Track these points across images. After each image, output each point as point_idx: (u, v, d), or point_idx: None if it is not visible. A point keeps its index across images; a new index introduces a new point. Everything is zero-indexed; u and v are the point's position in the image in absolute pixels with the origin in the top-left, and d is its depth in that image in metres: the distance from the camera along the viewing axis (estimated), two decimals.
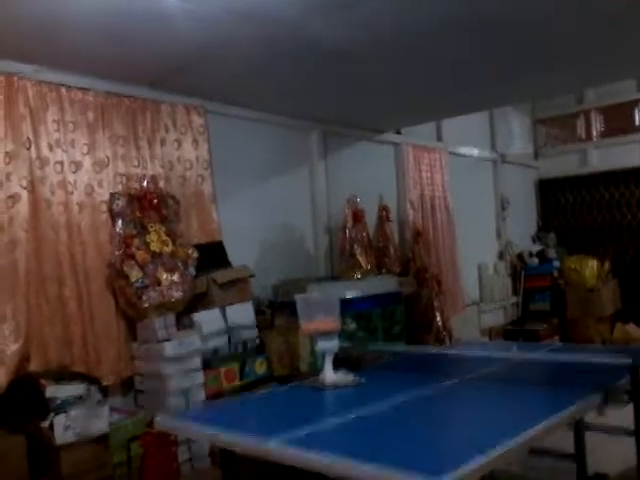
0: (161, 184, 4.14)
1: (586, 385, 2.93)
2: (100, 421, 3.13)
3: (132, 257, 3.74)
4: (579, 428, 3.63)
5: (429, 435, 2.56)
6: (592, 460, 3.73)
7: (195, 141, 4.49)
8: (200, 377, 3.71)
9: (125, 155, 4.05)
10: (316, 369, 3.79)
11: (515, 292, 7.70)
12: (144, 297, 3.71)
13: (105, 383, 3.67)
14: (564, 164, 8.40)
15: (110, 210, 3.83)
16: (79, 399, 3.20)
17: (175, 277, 3.87)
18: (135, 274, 3.71)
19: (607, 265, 7.31)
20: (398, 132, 6.35)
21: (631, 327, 6.33)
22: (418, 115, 5.82)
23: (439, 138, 6.89)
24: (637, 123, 7.88)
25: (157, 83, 4.16)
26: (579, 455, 3.65)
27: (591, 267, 7.23)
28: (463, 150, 7.23)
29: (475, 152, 7.45)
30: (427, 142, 6.66)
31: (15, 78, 3.53)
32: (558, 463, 3.88)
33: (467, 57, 4.11)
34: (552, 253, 7.71)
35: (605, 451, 4.03)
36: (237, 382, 3.93)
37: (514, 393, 3.20)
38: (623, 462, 3.94)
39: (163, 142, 4.29)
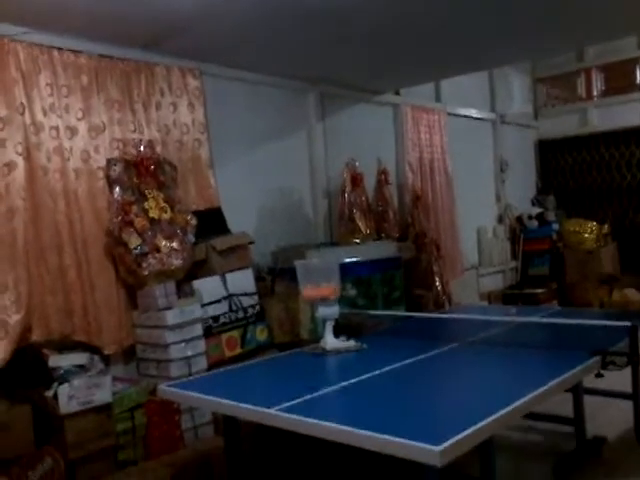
0: (158, 149, 4.08)
1: (584, 349, 2.95)
2: (103, 390, 3.14)
3: (130, 224, 3.70)
4: (578, 392, 3.66)
5: (428, 401, 2.58)
6: (590, 423, 3.78)
7: (191, 104, 4.41)
8: (202, 345, 3.72)
9: (121, 120, 3.98)
10: (317, 335, 3.81)
11: (514, 256, 7.70)
12: (144, 264, 3.69)
13: (107, 352, 3.67)
14: (564, 124, 8.31)
15: (107, 176, 3.77)
16: (82, 368, 3.20)
17: (174, 244, 3.84)
18: (134, 241, 3.68)
19: (606, 227, 7.30)
20: (397, 93, 6.26)
21: (630, 291, 6.35)
22: (416, 75, 5.72)
23: (438, 99, 6.80)
24: (638, 81, 7.77)
25: (151, 45, 4.06)
26: (578, 419, 3.70)
27: (590, 230, 7.22)
28: (462, 111, 7.14)
29: (474, 113, 7.36)
30: (426, 103, 6.57)
31: (5, 40, 3.43)
32: (557, 427, 3.94)
33: (463, 14, 4.01)
34: (551, 216, 7.69)
35: (603, 414, 4.09)
36: (238, 350, 3.95)
37: (513, 357, 3.23)
38: (621, 425, 4.00)
39: (159, 106, 4.21)
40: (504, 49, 5.08)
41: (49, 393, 3.06)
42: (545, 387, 2.52)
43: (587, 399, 3.77)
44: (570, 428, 3.74)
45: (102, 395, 3.14)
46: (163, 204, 3.88)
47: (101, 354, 3.60)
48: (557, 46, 5.47)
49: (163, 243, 3.79)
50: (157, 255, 3.74)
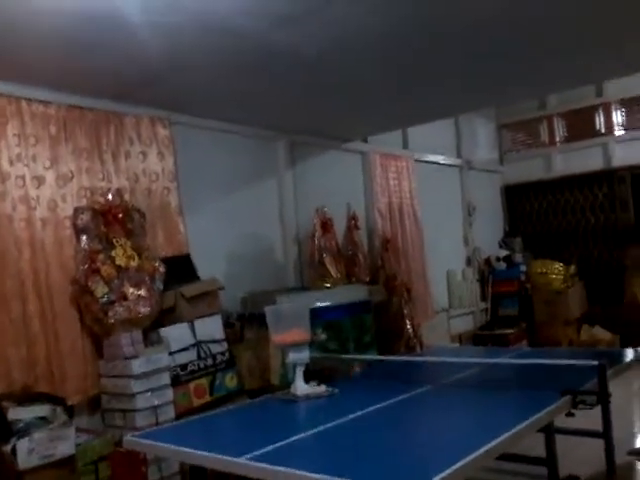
0: (126, 197, 4.08)
1: (555, 388, 2.96)
2: (66, 443, 3.05)
3: (97, 272, 3.67)
4: (549, 431, 3.66)
5: (400, 447, 2.55)
6: (563, 463, 3.76)
7: (160, 153, 4.44)
8: (169, 394, 3.65)
9: (89, 169, 3.99)
10: (287, 381, 3.77)
11: (483, 297, 7.77)
12: (110, 313, 3.64)
13: (71, 403, 3.57)
14: (529, 169, 8.53)
15: (74, 225, 3.76)
16: (44, 420, 3.11)
17: (142, 292, 3.80)
18: (101, 289, 3.64)
19: (573, 268, 7.43)
20: (365, 140, 6.38)
21: (597, 329, 6.43)
22: (383, 123, 5.84)
23: (405, 146, 6.94)
24: (597, 128, 8.05)
25: (121, 95, 4.10)
26: (550, 458, 3.68)
27: (557, 270, 7.35)
28: (429, 157, 7.30)
29: (441, 159, 7.52)
30: (394, 150, 6.70)
31: None
32: (530, 468, 3.91)
33: (428, 63, 4.14)
34: (519, 258, 7.81)
35: (575, 453, 4.08)
36: (207, 398, 3.88)
37: (485, 399, 3.23)
38: (593, 464, 3.99)
39: (128, 155, 4.23)
40: (469, 96, 5.24)
41: (7, 448, 2.95)
42: (517, 428, 2.52)
43: (559, 438, 3.77)
44: (543, 469, 3.72)
45: (65, 448, 3.04)
46: (131, 252, 3.85)
47: (65, 405, 3.50)
48: (521, 94, 5.66)
49: (130, 291, 3.75)
50: (124, 303, 3.70)
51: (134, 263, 3.84)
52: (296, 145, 5.63)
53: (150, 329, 3.80)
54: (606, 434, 3.95)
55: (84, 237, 3.73)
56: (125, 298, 3.71)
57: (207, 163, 4.81)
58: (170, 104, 4.41)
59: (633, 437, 4.53)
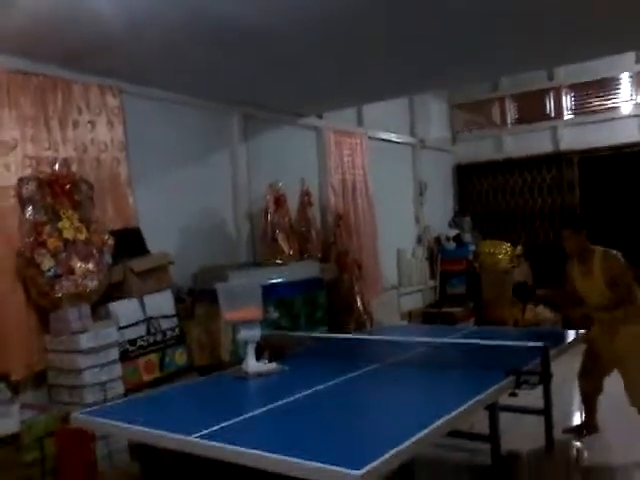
0: (74, 168, 3.94)
1: (500, 368, 3.05)
2: (10, 420, 2.97)
3: (43, 245, 3.55)
4: (493, 409, 3.77)
5: (350, 424, 2.59)
6: (505, 439, 3.90)
7: (110, 123, 4.30)
8: (118, 370, 3.60)
9: (34, 137, 3.83)
10: (238, 358, 3.77)
11: (432, 276, 7.90)
12: (57, 287, 3.54)
13: (15, 378, 3.48)
14: (480, 149, 8.65)
15: (19, 195, 3.61)
16: None
17: (90, 265, 3.71)
18: (47, 263, 3.53)
19: (519, 249, 7.61)
20: (320, 116, 6.34)
21: (541, 309, 6.63)
22: (338, 100, 5.81)
23: (360, 123, 6.93)
24: (547, 111, 8.21)
25: (69, 61, 3.93)
26: (493, 435, 3.79)
27: (505, 251, 7.52)
28: (383, 135, 7.31)
29: (394, 137, 7.55)
30: (348, 127, 6.69)
31: None
32: (474, 444, 4.03)
33: (384, 43, 4.12)
34: (468, 237, 7.96)
35: (517, 430, 4.22)
36: (157, 374, 3.84)
37: (433, 378, 3.30)
38: (534, 440, 4.15)
39: (76, 124, 4.09)
40: (422, 77, 5.25)
41: None
42: (464, 407, 2.59)
43: (502, 415, 3.89)
44: (487, 445, 3.84)
45: (8, 425, 2.97)
46: (78, 224, 3.74)
47: (8, 381, 3.41)
48: (474, 76, 5.71)
49: (78, 265, 3.65)
50: (71, 277, 3.60)
51: (82, 236, 3.74)
52: (250, 119, 5.55)
53: (98, 304, 3.72)
54: (547, 412, 4.12)
55: (29, 208, 3.59)
56: (72, 272, 3.61)
57: (158, 135, 4.69)
58: (121, 73, 4.26)
59: (571, 415, 4.72)
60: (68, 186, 3.76)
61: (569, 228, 3.99)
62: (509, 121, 8.52)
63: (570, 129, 7.98)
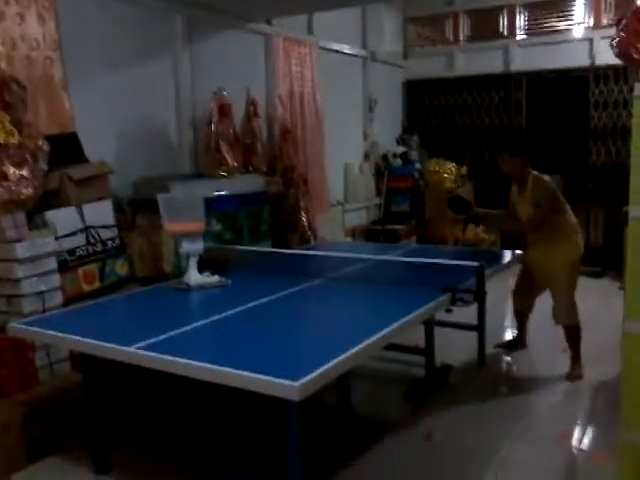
0: (2, 65, 3.68)
1: (437, 286, 3.13)
2: None
3: None
4: (429, 324, 3.92)
5: (290, 337, 2.64)
6: (440, 353, 4.08)
7: (41, 17, 3.98)
8: (56, 280, 3.51)
9: None
10: (180, 270, 3.75)
11: (378, 193, 7.94)
12: None
13: None
14: (431, 66, 8.52)
15: None
16: None
17: (24, 172, 3.53)
18: None
19: (464, 169, 7.68)
20: (269, 22, 6.07)
21: (481, 228, 6.79)
22: (287, 5, 5.54)
23: (310, 31, 6.69)
24: (500, 30, 8.10)
25: None
26: (428, 348, 3.97)
27: (450, 170, 7.57)
28: (334, 45, 7.08)
29: (346, 48, 7.33)
30: (298, 34, 6.44)
31: None
32: (410, 357, 4.21)
33: None
34: (414, 155, 7.96)
35: (451, 345, 4.42)
36: (97, 284, 3.77)
37: (373, 293, 3.38)
38: (466, 354, 4.35)
39: (2, 16, 3.76)
40: None
41: None
42: (401, 322, 2.66)
43: (437, 331, 4.05)
44: (421, 357, 4.02)
45: None
46: (10, 127, 3.52)
47: None
48: None
49: (11, 170, 3.47)
50: (4, 183, 3.43)
51: (14, 140, 3.53)
52: (194, 21, 5.25)
53: (34, 212, 3.58)
54: (479, 328, 4.31)
55: None
56: (5, 178, 3.44)
57: (95, 33, 4.38)
58: None
59: (503, 331, 4.96)
60: None
61: (505, 152, 4.05)
62: (462, 38, 8.38)
63: (521, 50, 7.92)
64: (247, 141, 5.48)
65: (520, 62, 7.91)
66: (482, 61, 8.12)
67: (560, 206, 3.99)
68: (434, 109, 8.60)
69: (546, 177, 3.99)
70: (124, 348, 2.42)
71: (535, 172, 4.00)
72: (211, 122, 5.04)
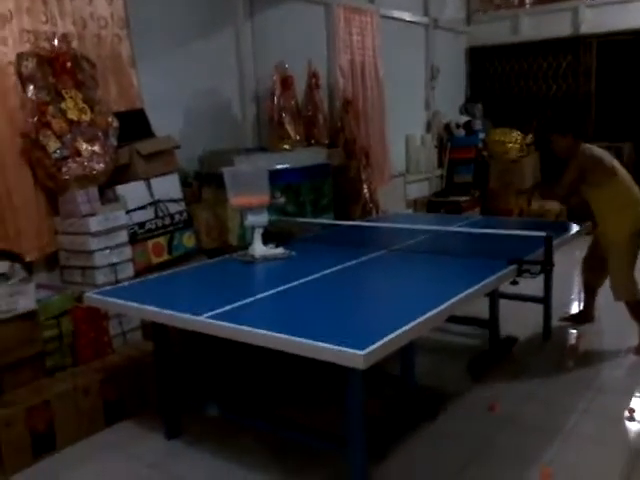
0: (74, 44, 3.80)
1: (503, 257, 3.09)
2: (26, 298, 3.06)
3: (48, 126, 3.49)
4: (494, 296, 3.88)
5: (355, 307, 2.67)
6: (504, 326, 4.04)
7: None
8: (127, 252, 3.66)
9: (30, 9, 3.64)
10: (245, 242, 3.82)
11: (440, 164, 7.82)
12: (64, 169, 3.52)
13: (28, 259, 3.54)
14: (496, 31, 8.28)
15: (19, 73, 3.50)
16: (3, 277, 3.10)
17: (96, 148, 3.67)
18: (52, 144, 3.49)
19: (530, 138, 7.46)
20: None
21: (547, 201, 6.61)
22: None
23: (371, 0, 6.59)
24: None
25: None
26: (492, 321, 3.93)
27: (514, 139, 7.36)
28: (395, 13, 6.97)
29: (407, 16, 7.20)
30: (359, 3, 6.36)
31: None
32: (474, 329, 4.18)
33: None
34: (478, 125, 7.78)
35: (516, 317, 4.36)
36: (166, 256, 3.90)
37: (437, 265, 3.36)
38: (532, 326, 4.29)
39: None
40: None
41: None
42: (465, 293, 2.64)
43: (502, 303, 4.01)
44: (486, 330, 3.98)
45: (26, 302, 3.06)
46: (82, 105, 3.66)
47: (22, 262, 3.48)
48: None
49: (84, 147, 3.61)
50: (78, 159, 3.58)
51: (86, 117, 3.67)
52: None
53: (105, 187, 3.71)
54: (546, 300, 4.23)
55: (31, 87, 3.49)
56: (79, 154, 3.58)
57: (161, 11, 4.47)
58: None
59: (570, 304, 4.85)
60: (69, 64, 3.64)
61: (556, 132, 3.91)
62: (527, 1, 8.08)
63: (591, 10, 7.58)
64: (309, 113, 5.49)
65: (590, 23, 7.58)
66: (549, 24, 7.83)
67: (610, 178, 3.83)
68: (498, 76, 8.37)
69: (594, 149, 3.86)
70: (195, 317, 2.51)
71: (585, 145, 3.87)
72: (273, 95, 5.08)
